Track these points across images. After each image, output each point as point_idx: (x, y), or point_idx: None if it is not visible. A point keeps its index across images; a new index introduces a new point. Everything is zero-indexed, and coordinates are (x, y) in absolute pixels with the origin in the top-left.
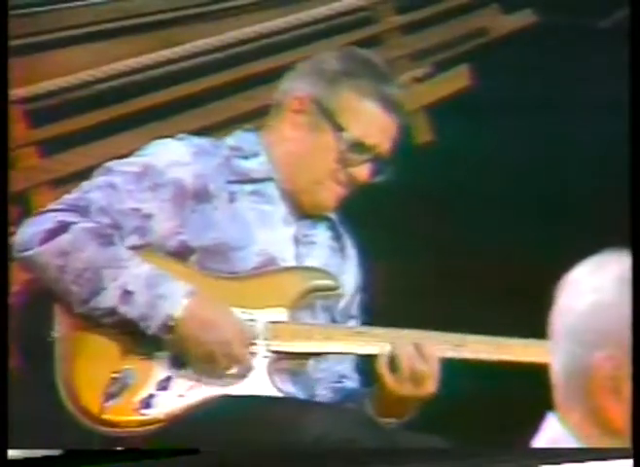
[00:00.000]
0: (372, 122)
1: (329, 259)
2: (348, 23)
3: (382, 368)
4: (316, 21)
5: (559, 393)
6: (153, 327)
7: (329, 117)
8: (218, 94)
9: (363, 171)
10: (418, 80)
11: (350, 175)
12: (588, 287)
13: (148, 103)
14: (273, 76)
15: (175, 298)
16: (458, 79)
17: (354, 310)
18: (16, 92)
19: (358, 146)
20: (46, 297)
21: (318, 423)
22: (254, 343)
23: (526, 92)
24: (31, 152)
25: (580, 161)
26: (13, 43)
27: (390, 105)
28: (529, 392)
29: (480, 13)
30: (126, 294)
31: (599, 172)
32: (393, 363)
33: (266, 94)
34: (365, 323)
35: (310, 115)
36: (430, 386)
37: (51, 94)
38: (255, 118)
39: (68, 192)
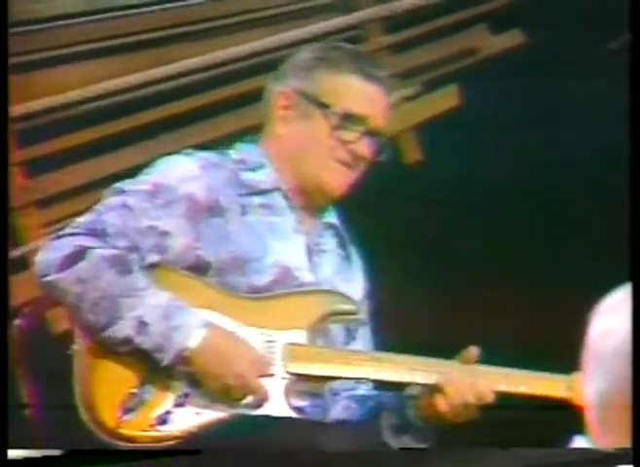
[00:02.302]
0: (357, 93)
1: (339, 266)
2: (337, 42)
3: (440, 397)
4: (305, 41)
5: (594, 416)
6: (167, 358)
7: (314, 101)
8: (207, 114)
9: (362, 147)
10: (407, 99)
11: (352, 152)
12: (629, 312)
13: (135, 123)
14: (261, 96)
15: (191, 329)
16: (447, 98)
17: (364, 318)
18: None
19: (349, 118)
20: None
21: (332, 444)
22: (270, 375)
23: (515, 112)
24: (17, 172)
25: (573, 178)
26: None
27: (371, 77)
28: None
29: (469, 32)
30: (142, 325)
31: (596, 189)
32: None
33: (255, 113)
34: (373, 330)
35: (298, 106)
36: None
37: (37, 114)
38: (243, 137)
39: (55, 212)
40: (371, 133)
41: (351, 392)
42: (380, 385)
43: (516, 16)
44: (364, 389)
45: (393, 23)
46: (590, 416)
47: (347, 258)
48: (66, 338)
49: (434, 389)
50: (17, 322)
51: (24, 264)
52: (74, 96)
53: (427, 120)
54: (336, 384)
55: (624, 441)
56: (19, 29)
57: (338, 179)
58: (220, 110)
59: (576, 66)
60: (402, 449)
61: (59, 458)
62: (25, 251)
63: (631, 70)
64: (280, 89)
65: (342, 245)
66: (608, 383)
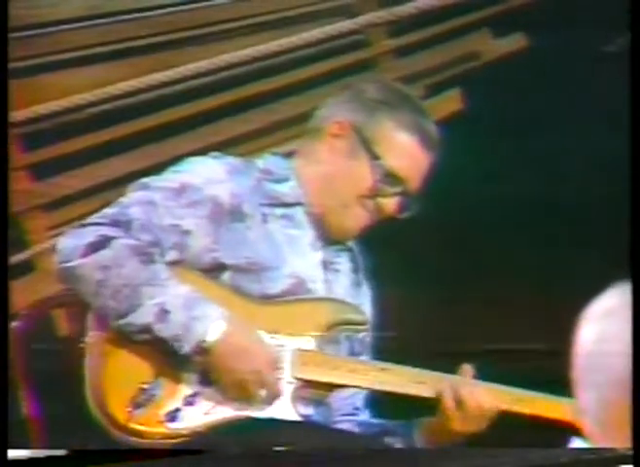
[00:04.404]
0: (407, 155)
1: (349, 289)
2: (341, 47)
3: (449, 404)
4: (309, 45)
5: (593, 422)
6: (186, 348)
7: (366, 145)
8: (211, 117)
9: (391, 204)
10: None
11: (378, 205)
12: (629, 314)
13: (141, 126)
14: (266, 99)
15: (210, 321)
16: (450, 102)
17: (369, 344)
18: (9, 116)
19: (391, 177)
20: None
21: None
22: (283, 371)
23: (518, 116)
24: (24, 175)
25: (576, 182)
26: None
27: (426, 140)
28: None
29: (472, 36)
30: (163, 312)
31: (597, 193)
32: (458, 401)
33: (259, 118)
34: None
35: (348, 140)
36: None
37: (43, 118)
38: (248, 141)
39: (61, 215)
40: (404, 194)
41: (352, 418)
42: (383, 412)
43: (519, 19)
44: (365, 415)
45: (396, 27)
46: (588, 423)
47: (357, 285)
48: (69, 339)
49: (439, 410)
50: (15, 324)
51: (31, 267)
52: (80, 100)
53: None
54: (335, 406)
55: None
56: (25, 33)
57: (358, 224)
58: (225, 114)
59: (579, 69)
60: (400, 448)
61: (63, 458)
62: (31, 254)
63: (631, 71)
64: (336, 118)
65: (355, 271)
66: (609, 391)
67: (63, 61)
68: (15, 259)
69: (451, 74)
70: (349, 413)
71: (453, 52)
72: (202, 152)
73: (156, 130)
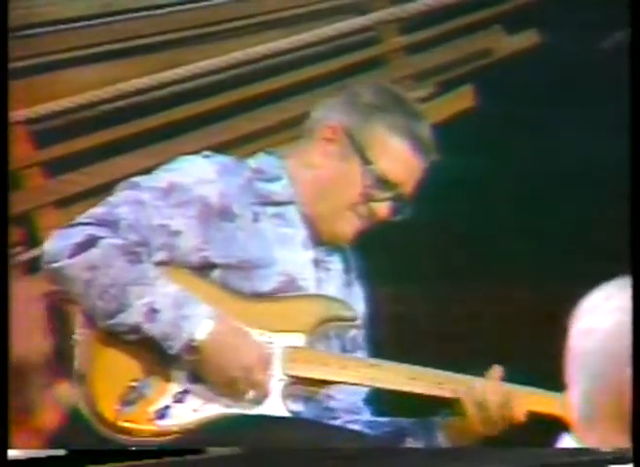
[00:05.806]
0: (399, 160)
1: (341, 289)
2: (352, 44)
3: (471, 406)
4: (320, 42)
5: (581, 415)
6: (175, 347)
7: (358, 149)
8: (222, 115)
9: (383, 208)
10: (422, 100)
11: (371, 210)
12: (610, 309)
13: (152, 124)
14: (277, 97)
15: (200, 320)
16: (462, 99)
17: (361, 343)
18: (20, 113)
19: (383, 182)
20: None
21: (333, 443)
22: (273, 369)
23: (530, 113)
24: (36, 172)
25: (583, 180)
26: (17, 64)
27: (419, 145)
28: None
29: (484, 33)
30: (152, 312)
31: (602, 192)
32: (479, 404)
33: (270, 116)
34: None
35: (340, 144)
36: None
37: (55, 115)
38: (258, 139)
39: (73, 212)
40: (396, 199)
41: (356, 417)
42: (391, 411)
43: (531, 16)
44: (368, 415)
45: (408, 25)
46: (576, 415)
47: (348, 285)
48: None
49: (461, 409)
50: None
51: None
52: (92, 97)
53: (442, 121)
54: (333, 403)
55: (611, 439)
56: (38, 31)
57: (350, 229)
58: (236, 112)
59: (592, 66)
60: (401, 447)
61: (63, 458)
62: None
63: (631, 70)
64: (329, 122)
65: (347, 271)
66: (592, 383)
67: (74, 59)
68: (27, 255)
69: (463, 71)
70: (350, 411)
71: (465, 49)
72: (213, 150)
73: (168, 128)
